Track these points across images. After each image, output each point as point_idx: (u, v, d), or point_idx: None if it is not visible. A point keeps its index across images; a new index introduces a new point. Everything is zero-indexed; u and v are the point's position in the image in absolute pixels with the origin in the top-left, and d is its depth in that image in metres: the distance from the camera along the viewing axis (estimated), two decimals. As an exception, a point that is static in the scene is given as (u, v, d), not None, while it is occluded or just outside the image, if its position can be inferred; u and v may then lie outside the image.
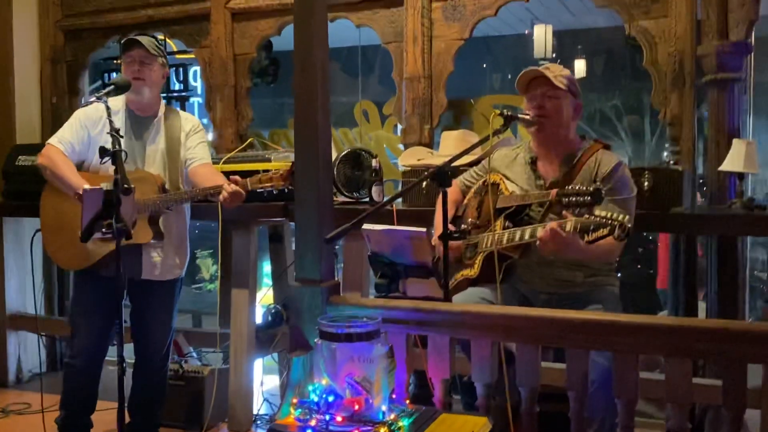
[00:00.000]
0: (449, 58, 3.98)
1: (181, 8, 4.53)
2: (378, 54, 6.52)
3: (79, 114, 3.27)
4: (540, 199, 2.74)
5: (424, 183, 3.45)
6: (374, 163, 3.71)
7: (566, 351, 2.30)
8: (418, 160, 3.65)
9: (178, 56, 4.83)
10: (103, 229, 2.59)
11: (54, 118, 4.83)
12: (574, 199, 2.50)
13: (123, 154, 2.64)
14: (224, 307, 3.88)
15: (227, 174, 3.28)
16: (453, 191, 3.03)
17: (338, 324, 2.14)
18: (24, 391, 4.08)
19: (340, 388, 2.11)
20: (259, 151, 4.07)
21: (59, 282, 4.90)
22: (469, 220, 2.94)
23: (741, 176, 3.26)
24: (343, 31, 4.31)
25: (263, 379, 4.11)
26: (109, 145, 2.64)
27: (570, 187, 2.57)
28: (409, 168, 3.61)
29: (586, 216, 2.42)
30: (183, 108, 4.67)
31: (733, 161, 3.21)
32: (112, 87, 2.99)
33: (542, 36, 6.07)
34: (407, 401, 2.30)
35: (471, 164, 3.25)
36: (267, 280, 4.75)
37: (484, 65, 8.23)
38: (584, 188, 2.49)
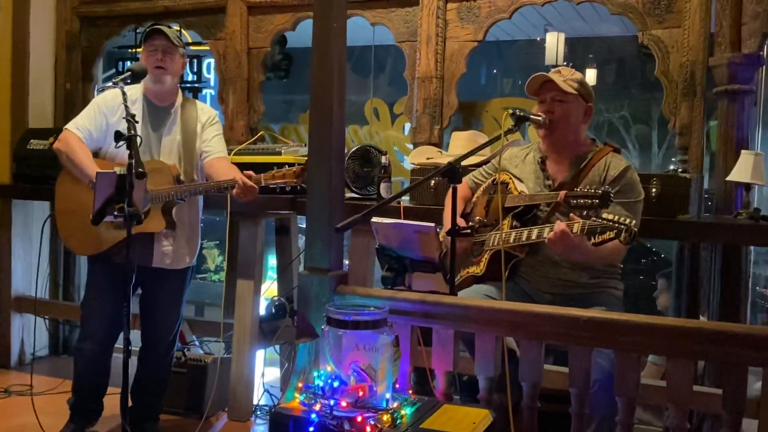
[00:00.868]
0: (462, 60, 4.01)
1: (198, 0, 4.57)
2: (389, 54, 6.56)
3: (98, 100, 3.30)
4: (548, 200, 2.76)
5: (433, 181, 3.48)
6: (384, 160, 3.73)
7: (569, 348, 2.33)
8: (428, 159, 3.67)
9: (192, 47, 4.85)
10: (115, 213, 2.62)
11: (67, 104, 4.88)
12: (582, 201, 2.52)
13: (138, 139, 2.66)
14: (229, 298, 3.90)
15: (237, 165, 3.31)
16: (462, 188, 3.05)
17: (346, 311, 2.17)
18: (26, 373, 4.11)
19: (344, 375, 2.13)
20: (269, 145, 4.10)
21: (65, 267, 4.92)
22: (477, 218, 2.97)
23: (748, 187, 3.28)
24: (355, 30, 4.34)
25: (264, 371, 4.12)
26: (124, 130, 2.67)
27: (579, 189, 2.59)
28: (418, 166, 3.64)
29: (594, 218, 2.44)
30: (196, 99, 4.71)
31: (741, 172, 3.22)
32: (128, 74, 3.01)
33: (554, 43, 6.10)
34: (410, 391, 2.33)
35: (480, 164, 3.27)
36: (272, 273, 4.77)
37: (495, 70, 8.26)
38: (593, 191, 2.51)
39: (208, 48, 4.68)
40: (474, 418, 2.15)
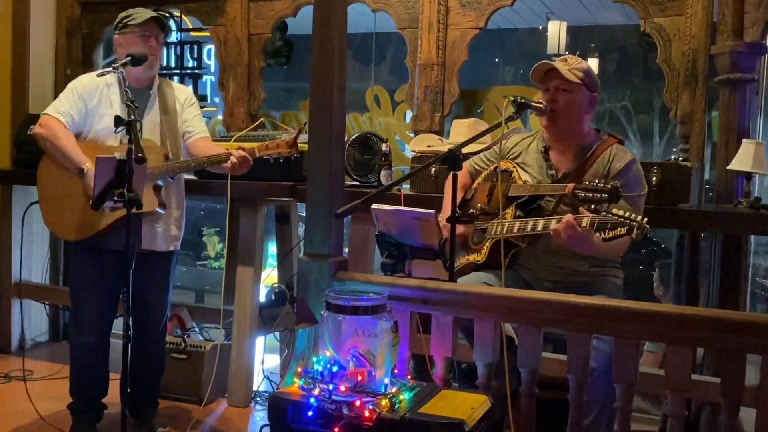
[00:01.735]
0: (464, 47, 3.99)
1: (199, -14, 4.56)
2: (390, 42, 6.53)
3: (75, 85, 3.21)
4: (555, 191, 2.74)
5: (433, 169, 3.47)
6: (384, 147, 3.73)
7: (568, 335, 2.33)
8: (428, 146, 3.67)
9: (193, 33, 4.83)
10: (115, 198, 2.62)
11: (67, 90, 4.86)
12: (590, 195, 2.50)
13: (137, 124, 2.66)
14: (229, 285, 3.91)
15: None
16: (462, 174, 3.03)
17: (346, 297, 2.17)
18: (27, 359, 4.12)
19: (343, 360, 2.14)
20: (269, 131, 4.09)
21: (65, 252, 4.93)
22: (479, 205, 2.96)
23: (749, 176, 3.28)
24: (357, 17, 4.33)
25: (264, 358, 4.13)
26: (122, 114, 2.66)
27: (587, 182, 2.57)
28: (419, 154, 3.63)
29: (604, 213, 2.43)
30: (196, 85, 4.69)
31: (742, 161, 3.22)
32: (128, 59, 3.01)
33: (556, 32, 6.08)
34: (408, 377, 2.33)
35: (480, 152, 3.26)
36: (272, 261, 4.78)
37: (497, 58, 8.24)
38: (602, 185, 2.50)
39: (208, 34, 4.66)
40: (472, 404, 2.15)
